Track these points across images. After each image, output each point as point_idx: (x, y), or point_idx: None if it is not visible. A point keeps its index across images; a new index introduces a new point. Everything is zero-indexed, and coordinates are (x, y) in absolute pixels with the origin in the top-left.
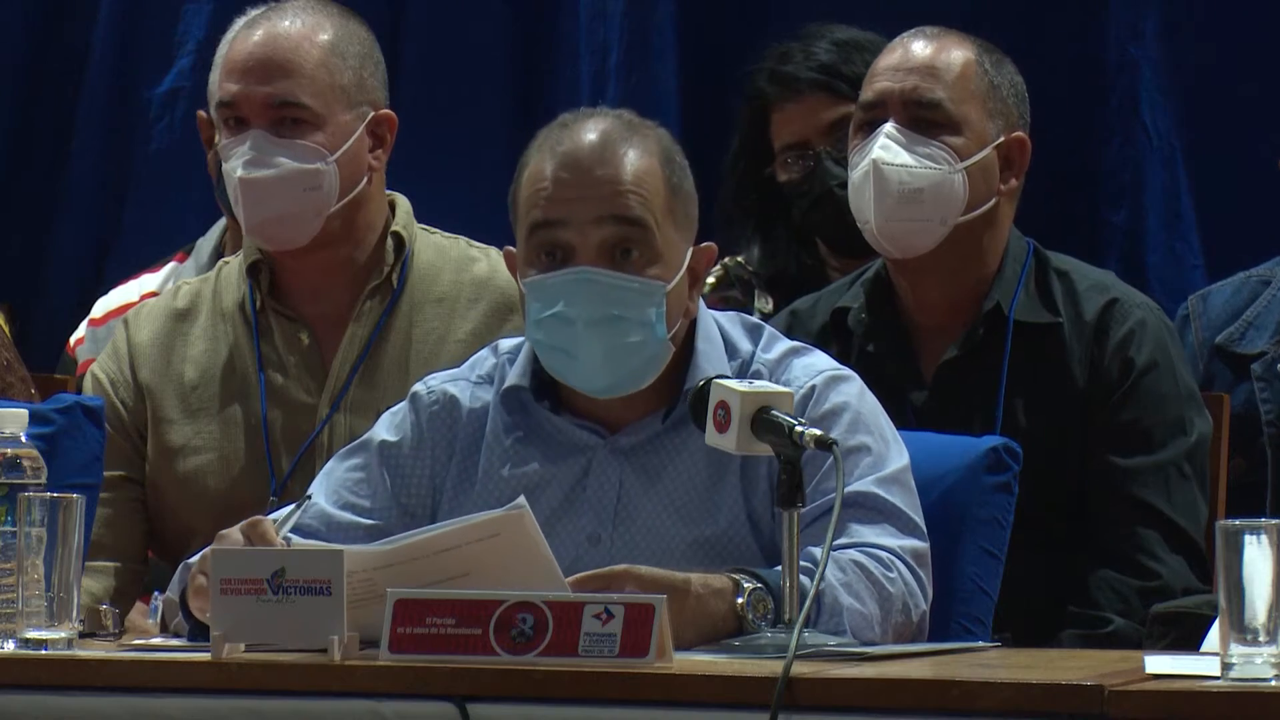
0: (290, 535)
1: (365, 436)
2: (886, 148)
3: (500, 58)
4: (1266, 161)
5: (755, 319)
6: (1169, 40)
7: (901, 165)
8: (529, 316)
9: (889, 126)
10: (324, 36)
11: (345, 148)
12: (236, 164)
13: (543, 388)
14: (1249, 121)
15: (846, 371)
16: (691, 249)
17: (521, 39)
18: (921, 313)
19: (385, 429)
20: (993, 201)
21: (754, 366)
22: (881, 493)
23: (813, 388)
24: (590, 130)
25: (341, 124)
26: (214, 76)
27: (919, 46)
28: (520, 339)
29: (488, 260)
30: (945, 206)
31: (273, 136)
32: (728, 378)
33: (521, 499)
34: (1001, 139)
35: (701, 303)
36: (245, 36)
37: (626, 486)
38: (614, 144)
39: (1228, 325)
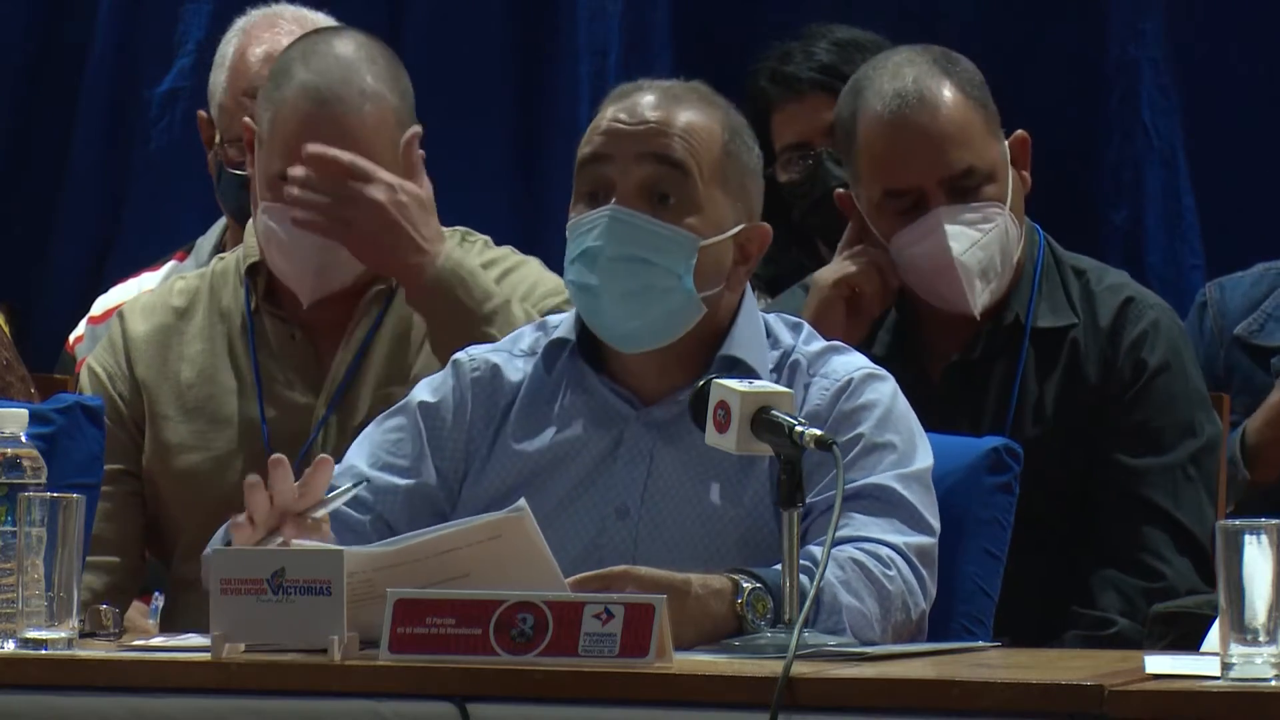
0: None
1: (403, 400)
2: (956, 238)
3: (499, 57)
4: (1267, 161)
5: (796, 318)
6: (1169, 39)
7: (972, 245)
8: (566, 258)
9: (945, 218)
10: (389, 105)
11: None
12: (304, 239)
13: (586, 346)
14: (1249, 121)
15: (883, 372)
16: (745, 225)
17: (520, 39)
18: (933, 318)
19: (425, 391)
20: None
21: (794, 356)
22: (898, 487)
23: (849, 380)
24: (658, 90)
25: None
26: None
27: (921, 118)
28: (569, 314)
29: (474, 248)
30: (1011, 249)
31: None
32: (729, 377)
33: (522, 501)
34: (1007, 141)
35: (750, 290)
36: (304, 96)
37: (657, 461)
38: (675, 99)
39: (1246, 315)
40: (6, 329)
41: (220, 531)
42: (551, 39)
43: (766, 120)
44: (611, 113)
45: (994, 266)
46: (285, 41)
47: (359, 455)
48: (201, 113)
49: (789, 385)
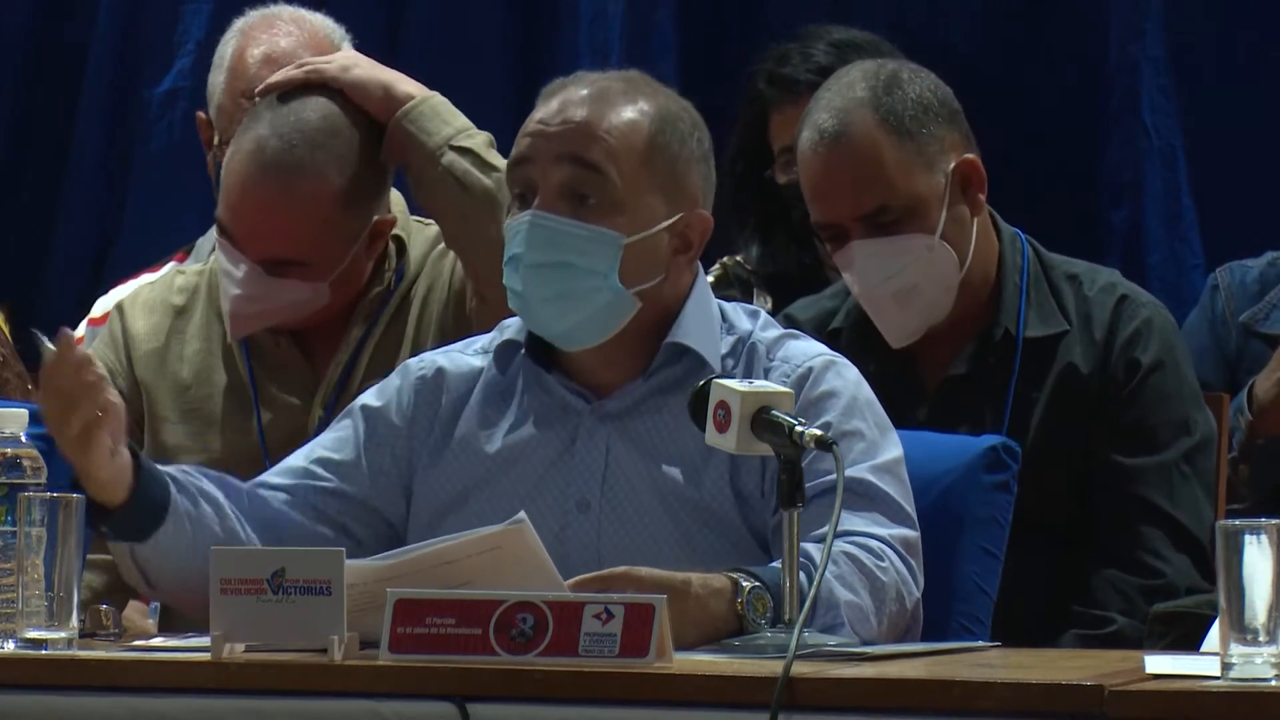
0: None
1: (351, 403)
2: (864, 274)
3: (500, 58)
4: (1266, 161)
5: (753, 307)
6: (1169, 39)
7: (885, 278)
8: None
9: (857, 250)
10: (330, 186)
11: (340, 269)
12: (230, 286)
13: (536, 346)
14: (1249, 121)
15: (844, 359)
16: (682, 215)
17: (522, 39)
18: (923, 334)
19: (371, 394)
20: (974, 226)
21: (750, 342)
22: (874, 479)
23: (810, 369)
24: (591, 84)
25: (341, 257)
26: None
27: (833, 157)
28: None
29: None
30: (943, 277)
31: (263, 274)
32: (727, 377)
33: (522, 514)
34: (951, 167)
35: (703, 276)
36: (251, 158)
37: (614, 452)
38: (604, 95)
39: (1254, 302)
40: (6, 329)
41: None
42: (552, 39)
43: (765, 122)
44: (538, 113)
45: (920, 295)
46: (284, 43)
47: (300, 450)
48: (200, 114)
49: (746, 370)
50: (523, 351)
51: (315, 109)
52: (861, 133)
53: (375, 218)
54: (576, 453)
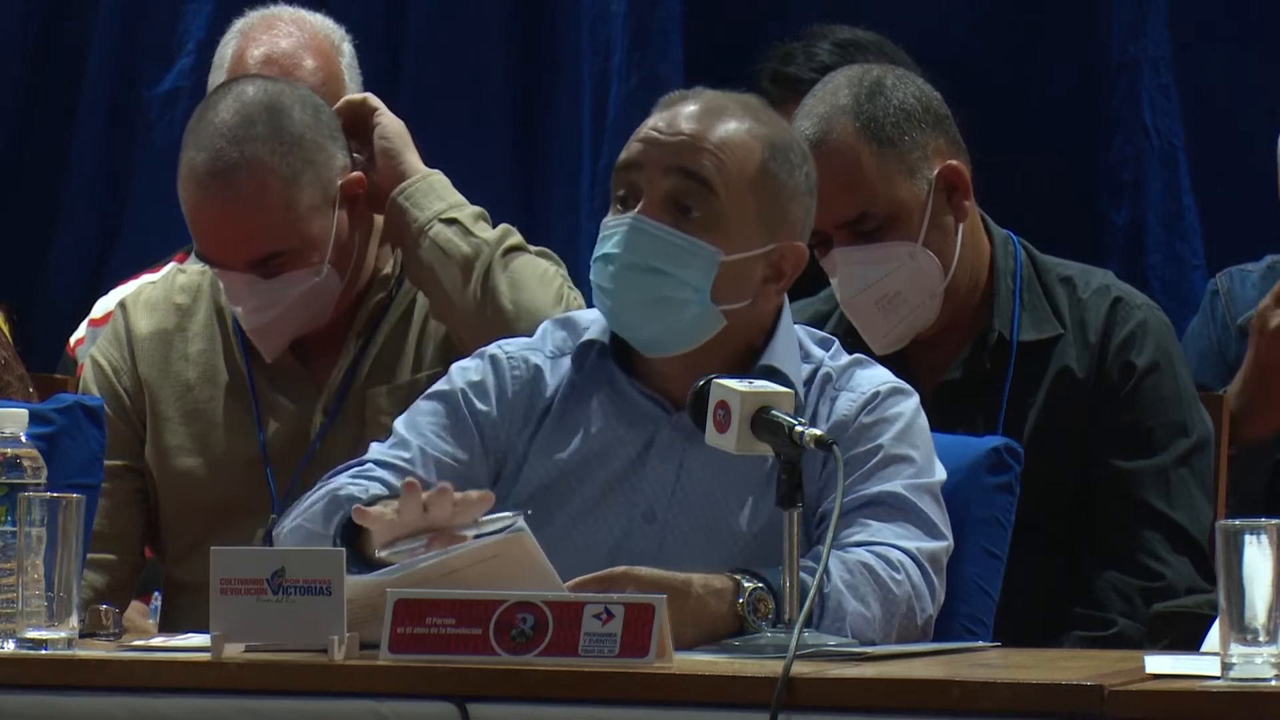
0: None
1: (443, 388)
2: (847, 280)
3: (502, 57)
4: (1267, 161)
5: (822, 333)
6: (1169, 39)
7: (867, 286)
8: (592, 257)
9: (839, 257)
10: (267, 169)
11: (330, 245)
12: (238, 306)
13: (617, 349)
14: (1250, 121)
15: (908, 388)
16: (779, 244)
17: (523, 38)
18: (919, 338)
19: (463, 379)
20: (959, 233)
21: (824, 369)
22: (909, 495)
23: (876, 393)
24: (708, 100)
25: (320, 230)
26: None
27: (817, 160)
28: (599, 316)
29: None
30: (927, 283)
31: (262, 280)
32: (732, 378)
33: (521, 521)
34: (935, 173)
35: (787, 304)
36: (191, 180)
37: (687, 466)
38: (720, 111)
39: (1253, 306)
40: (6, 329)
41: (339, 513)
42: (554, 39)
43: None
44: (652, 121)
45: (903, 302)
46: (284, 43)
47: (411, 435)
48: None
49: (819, 397)
50: (602, 353)
51: (226, 109)
52: (842, 140)
53: (339, 185)
54: (650, 461)
